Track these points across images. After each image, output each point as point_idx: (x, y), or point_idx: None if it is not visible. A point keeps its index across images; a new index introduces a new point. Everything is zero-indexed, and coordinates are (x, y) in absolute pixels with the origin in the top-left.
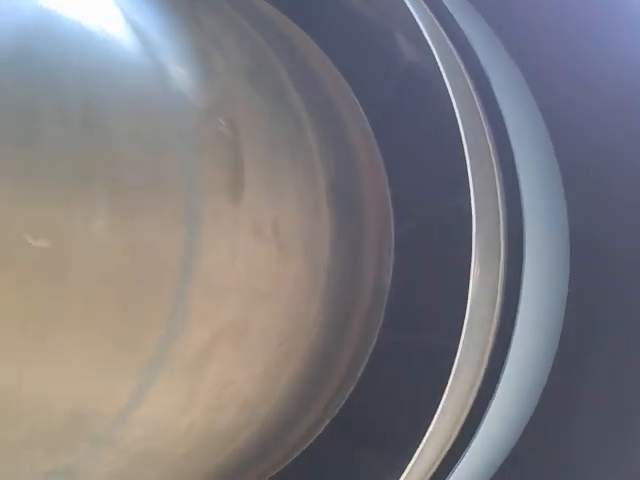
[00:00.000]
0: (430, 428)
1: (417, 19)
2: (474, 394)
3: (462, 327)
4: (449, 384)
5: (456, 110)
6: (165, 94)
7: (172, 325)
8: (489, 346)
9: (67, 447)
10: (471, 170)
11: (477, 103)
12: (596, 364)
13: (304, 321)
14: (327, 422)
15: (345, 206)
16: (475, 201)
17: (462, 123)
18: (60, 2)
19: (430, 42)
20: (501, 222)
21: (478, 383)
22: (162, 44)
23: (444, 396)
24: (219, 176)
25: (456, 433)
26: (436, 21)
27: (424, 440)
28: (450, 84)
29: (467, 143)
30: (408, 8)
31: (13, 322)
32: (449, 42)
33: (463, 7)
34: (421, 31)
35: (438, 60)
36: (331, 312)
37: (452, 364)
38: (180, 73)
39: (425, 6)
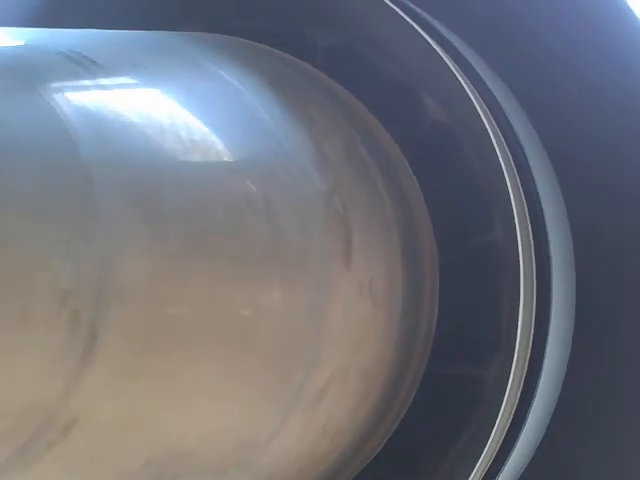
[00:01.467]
0: (481, 456)
1: (462, 82)
2: (510, 420)
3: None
4: (500, 415)
5: (502, 164)
6: (306, 185)
7: (308, 370)
8: (524, 377)
9: (223, 472)
10: (518, 221)
11: (509, 156)
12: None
13: (382, 361)
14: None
15: (411, 260)
16: (522, 250)
17: (507, 175)
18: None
19: (478, 108)
20: (534, 268)
21: (514, 410)
22: (295, 141)
23: (496, 424)
24: (338, 248)
25: (493, 456)
26: (470, 84)
27: (476, 468)
28: (495, 140)
29: (514, 199)
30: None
31: (218, 371)
32: (483, 102)
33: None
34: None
35: (485, 122)
36: (399, 352)
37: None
38: (310, 166)
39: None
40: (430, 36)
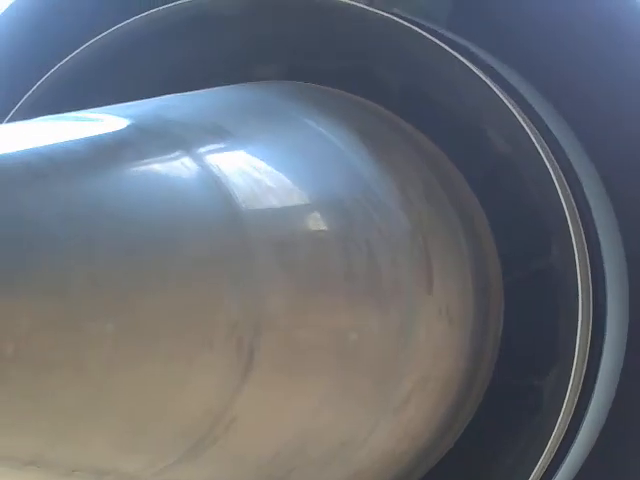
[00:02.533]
0: (543, 453)
1: (522, 122)
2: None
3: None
4: (559, 420)
5: (561, 199)
6: (395, 226)
7: (397, 381)
8: (580, 387)
9: (328, 465)
10: (577, 247)
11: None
12: None
13: (456, 372)
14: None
15: (480, 284)
16: (580, 274)
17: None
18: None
19: (534, 141)
20: (590, 288)
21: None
22: (384, 189)
23: (555, 427)
24: (422, 277)
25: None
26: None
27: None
28: (553, 173)
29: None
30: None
31: (332, 382)
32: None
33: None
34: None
35: (544, 157)
36: (470, 365)
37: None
38: (397, 209)
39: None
40: (485, 73)
